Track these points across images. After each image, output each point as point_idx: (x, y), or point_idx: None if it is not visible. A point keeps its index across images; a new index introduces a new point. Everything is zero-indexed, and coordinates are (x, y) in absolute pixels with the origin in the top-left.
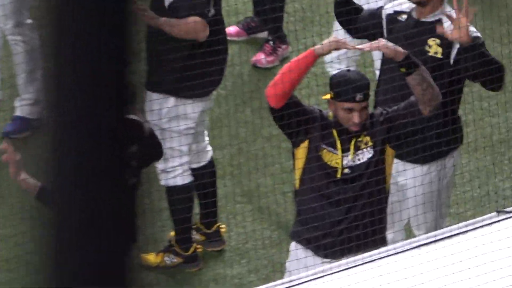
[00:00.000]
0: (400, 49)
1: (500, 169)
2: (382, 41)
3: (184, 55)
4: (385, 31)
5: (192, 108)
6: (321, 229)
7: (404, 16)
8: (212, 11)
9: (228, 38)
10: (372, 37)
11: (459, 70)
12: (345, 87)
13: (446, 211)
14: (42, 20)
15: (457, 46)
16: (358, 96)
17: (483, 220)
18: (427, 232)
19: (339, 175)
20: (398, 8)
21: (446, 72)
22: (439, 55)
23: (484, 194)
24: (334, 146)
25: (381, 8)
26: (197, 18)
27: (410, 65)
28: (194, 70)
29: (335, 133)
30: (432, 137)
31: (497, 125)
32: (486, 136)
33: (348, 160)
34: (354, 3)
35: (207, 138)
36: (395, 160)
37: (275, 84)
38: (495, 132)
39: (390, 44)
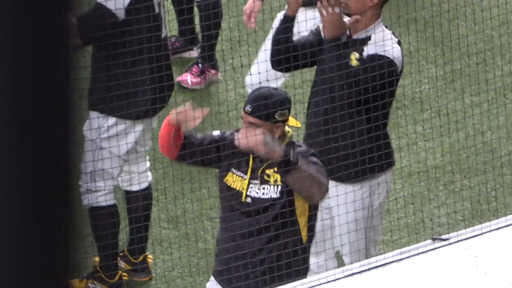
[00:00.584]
0: (279, 149)
1: (435, 195)
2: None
3: (123, 73)
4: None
5: (132, 128)
6: (229, 261)
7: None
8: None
9: None
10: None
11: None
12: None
13: (378, 238)
14: None
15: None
16: (247, 107)
17: (418, 248)
18: (358, 259)
19: (243, 199)
20: None
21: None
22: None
23: (418, 221)
24: (244, 170)
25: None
26: None
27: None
28: (135, 88)
29: (250, 157)
30: (361, 154)
31: (431, 149)
32: (421, 161)
33: (254, 188)
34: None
35: (148, 163)
36: None
37: (160, 138)
38: (429, 157)
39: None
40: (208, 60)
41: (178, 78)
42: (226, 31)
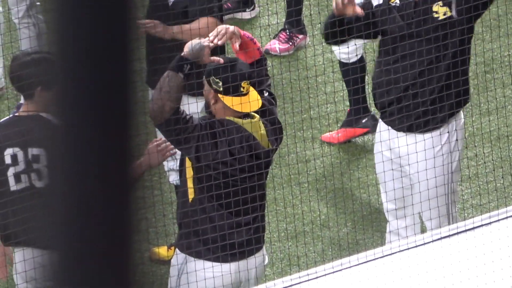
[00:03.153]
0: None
1: None
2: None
3: None
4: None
5: (197, 106)
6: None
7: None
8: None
9: None
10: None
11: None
12: None
13: (456, 198)
14: (46, 4)
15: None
16: None
17: (507, 211)
18: (439, 224)
19: None
20: None
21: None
22: (449, 14)
23: (508, 185)
24: None
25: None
26: (210, 19)
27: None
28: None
29: None
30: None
31: None
32: (510, 124)
33: None
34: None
35: None
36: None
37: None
38: None
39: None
40: (296, 25)
41: (266, 46)
42: None
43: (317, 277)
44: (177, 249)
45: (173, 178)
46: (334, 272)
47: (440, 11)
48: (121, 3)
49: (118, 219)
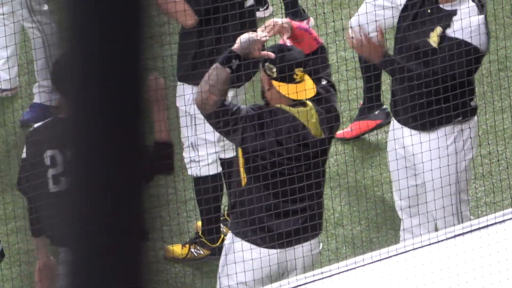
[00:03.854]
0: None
1: None
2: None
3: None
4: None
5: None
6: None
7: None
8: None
9: None
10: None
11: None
12: None
13: (465, 198)
14: (55, 5)
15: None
16: None
17: None
18: (447, 218)
19: None
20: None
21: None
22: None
23: None
24: None
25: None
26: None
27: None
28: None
29: None
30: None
31: None
32: None
33: None
34: None
35: None
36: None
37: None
38: None
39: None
40: (293, 15)
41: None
42: None
43: (331, 275)
44: (234, 237)
45: (193, 170)
46: (348, 270)
47: (434, 35)
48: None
49: (132, 218)
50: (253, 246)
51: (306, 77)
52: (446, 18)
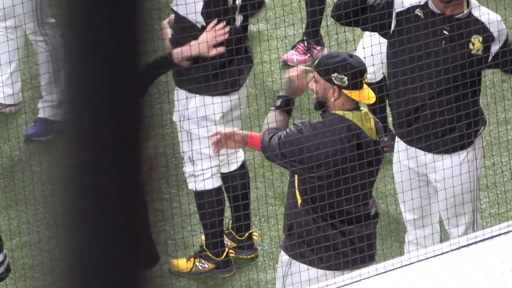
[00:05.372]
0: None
1: None
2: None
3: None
4: (393, 23)
5: (217, 106)
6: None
7: (421, 11)
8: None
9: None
10: (380, 29)
11: (496, 64)
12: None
13: (479, 205)
14: (59, 19)
15: (500, 43)
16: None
17: None
18: (465, 230)
19: None
20: (409, 2)
21: (485, 66)
22: (480, 53)
23: None
24: None
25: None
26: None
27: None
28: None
29: None
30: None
31: None
32: None
33: None
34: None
35: None
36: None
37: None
38: None
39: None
40: (313, 36)
41: (283, 57)
42: (331, 7)
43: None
44: (282, 251)
45: (193, 184)
46: (353, 282)
47: (476, 45)
48: (131, 16)
49: (133, 227)
50: (310, 267)
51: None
52: (474, 23)
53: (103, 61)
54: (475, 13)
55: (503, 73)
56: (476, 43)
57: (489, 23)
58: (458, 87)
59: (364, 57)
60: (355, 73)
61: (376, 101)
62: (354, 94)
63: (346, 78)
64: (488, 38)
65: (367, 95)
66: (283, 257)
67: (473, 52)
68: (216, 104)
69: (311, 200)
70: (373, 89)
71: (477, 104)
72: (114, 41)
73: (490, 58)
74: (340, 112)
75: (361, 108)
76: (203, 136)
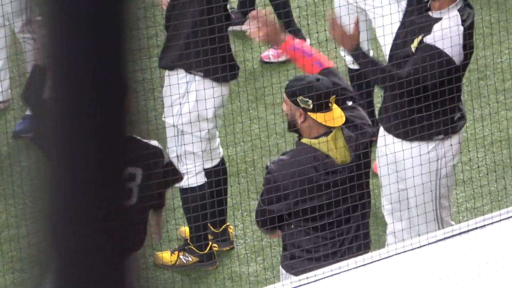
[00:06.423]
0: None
1: None
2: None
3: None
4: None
5: (209, 101)
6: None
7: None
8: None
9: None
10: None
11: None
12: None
13: (446, 204)
14: (43, 18)
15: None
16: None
17: (500, 214)
18: (426, 225)
19: None
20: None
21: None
22: (413, 50)
23: (501, 188)
24: None
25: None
26: None
27: None
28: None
29: None
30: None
31: None
32: (503, 129)
33: None
34: None
35: (218, 139)
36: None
37: None
38: (511, 125)
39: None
40: (289, 30)
41: (261, 55)
42: (311, 6)
43: (316, 280)
44: (282, 269)
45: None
46: (333, 275)
47: (414, 44)
48: (116, 14)
49: (120, 225)
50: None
51: (334, 104)
52: (429, 26)
53: (89, 58)
54: (444, 16)
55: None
56: (415, 42)
57: (441, 27)
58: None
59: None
60: (320, 95)
61: (363, 95)
62: (319, 117)
63: (310, 101)
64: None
65: (333, 117)
66: (283, 275)
67: (411, 49)
68: (208, 100)
69: (300, 222)
70: (352, 76)
71: (453, 101)
72: (100, 38)
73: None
74: (307, 141)
75: (332, 127)
76: (195, 136)
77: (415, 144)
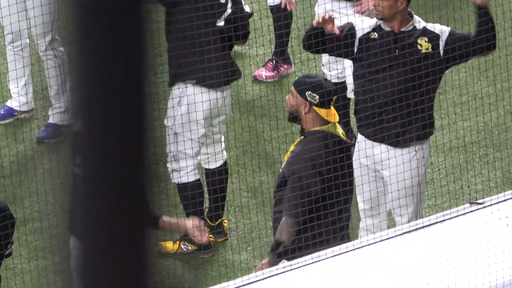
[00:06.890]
0: None
1: (472, 166)
2: None
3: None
4: (355, 49)
5: (204, 104)
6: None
7: (375, 33)
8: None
9: None
10: (344, 55)
11: (448, 58)
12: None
13: (423, 198)
14: (66, 37)
15: (444, 38)
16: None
17: (458, 211)
18: (410, 219)
19: None
20: (366, 30)
21: (438, 63)
22: (430, 50)
23: (458, 188)
24: None
25: (354, 29)
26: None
27: None
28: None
29: None
30: (415, 120)
31: (469, 128)
32: (460, 137)
33: None
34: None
35: (223, 144)
36: (374, 144)
37: None
38: (467, 134)
39: None
40: (280, 55)
41: (254, 73)
42: (295, 31)
43: (291, 269)
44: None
45: (176, 179)
46: (306, 264)
47: (424, 45)
48: (136, 30)
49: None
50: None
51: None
52: (417, 31)
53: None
54: (418, 25)
55: (475, 57)
56: (423, 43)
57: (429, 27)
58: (415, 86)
59: (336, 61)
60: (326, 93)
61: (339, 103)
62: (322, 112)
63: (317, 96)
64: (432, 38)
65: (332, 113)
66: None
67: (422, 51)
68: (204, 102)
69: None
70: (336, 89)
71: (432, 106)
72: (120, 56)
73: (441, 52)
74: (318, 128)
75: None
76: (186, 137)
77: (396, 148)
